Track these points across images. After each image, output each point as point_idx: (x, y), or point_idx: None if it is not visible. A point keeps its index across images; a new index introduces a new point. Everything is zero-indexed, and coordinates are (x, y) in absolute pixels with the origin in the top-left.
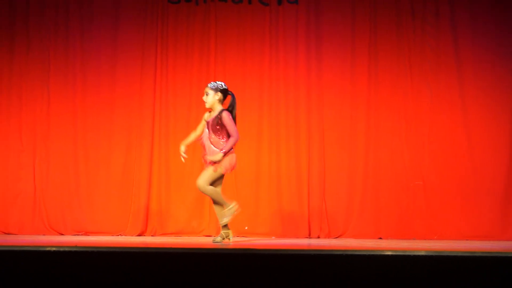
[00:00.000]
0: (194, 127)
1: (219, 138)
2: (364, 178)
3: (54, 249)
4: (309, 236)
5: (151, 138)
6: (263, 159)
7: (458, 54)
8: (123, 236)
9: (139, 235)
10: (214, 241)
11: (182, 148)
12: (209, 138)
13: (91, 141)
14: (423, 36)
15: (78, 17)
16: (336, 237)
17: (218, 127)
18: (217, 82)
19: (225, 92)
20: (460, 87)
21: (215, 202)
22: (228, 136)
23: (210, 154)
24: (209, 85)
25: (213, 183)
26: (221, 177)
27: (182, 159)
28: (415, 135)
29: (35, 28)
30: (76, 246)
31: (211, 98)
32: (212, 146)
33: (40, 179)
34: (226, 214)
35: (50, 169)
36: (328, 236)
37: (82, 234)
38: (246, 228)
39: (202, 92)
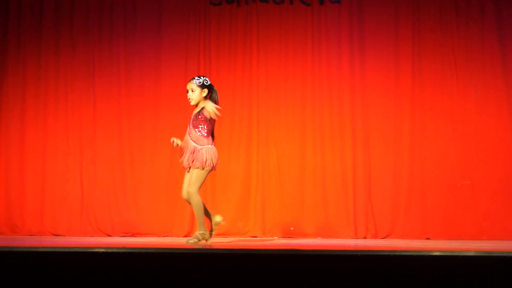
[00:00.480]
0: (237, 128)
1: (200, 134)
2: (410, 178)
3: (102, 250)
4: (355, 236)
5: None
6: (308, 160)
7: (504, 52)
8: (170, 237)
9: (186, 236)
10: (187, 242)
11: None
12: (189, 133)
13: (137, 142)
14: (468, 34)
15: (122, 20)
16: (383, 238)
17: (199, 122)
18: (201, 77)
19: (210, 88)
20: (507, 87)
21: (196, 213)
22: (209, 130)
23: (189, 151)
24: (194, 81)
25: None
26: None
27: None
28: (462, 135)
29: (80, 31)
30: (123, 248)
31: (198, 95)
32: (192, 142)
33: (87, 180)
34: (197, 236)
35: (97, 170)
36: (375, 236)
37: (129, 236)
38: (291, 229)
39: (245, 93)
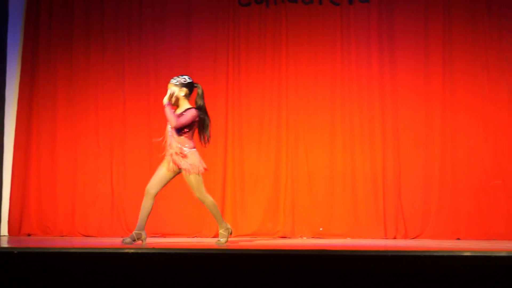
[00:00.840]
0: (267, 129)
1: (184, 137)
2: (441, 178)
3: (132, 251)
4: (385, 237)
5: (224, 140)
6: (337, 161)
7: None
8: (199, 238)
9: (215, 236)
10: (123, 242)
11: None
12: (172, 135)
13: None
14: (500, 32)
15: (151, 21)
16: (413, 238)
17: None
18: (180, 76)
19: (190, 86)
20: None
21: (212, 212)
22: (190, 135)
23: (173, 150)
24: (171, 81)
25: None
26: (167, 175)
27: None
28: (493, 135)
29: (109, 32)
30: (153, 248)
31: (176, 95)
32: (176, 143)
33: (117, 181)
34: (222, 234)
35: (126, 171)
36: (405, 237)
37: (159, 236)
38: (321, 229)
39: (274, 94)
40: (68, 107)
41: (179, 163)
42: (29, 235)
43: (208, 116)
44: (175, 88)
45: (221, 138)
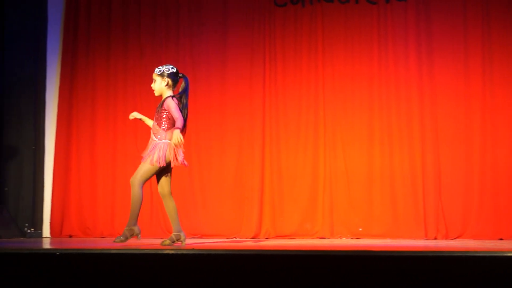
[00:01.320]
0: (304, 129)
1: (159, 127)
2: (482, 177)
3: (172, 252)
4: (426, 237)
5: (262, 141)
6: (375, 161)
7: None
8: (237, 239)
9: (253, 237)
10: (162, 244)
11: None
12: (152, 126)
13: (204, 144)
14: None
15: (188, 23)
16: (454, 238)
17: (161, 115)
18: (164, 66)
19: (173, 76)
20: None
21: (132, 206)
22: (170, 124)
23: (151, 145)
24: (156, 70)
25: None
26: (162, 172)
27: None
28: None
29: (147, 35)
30: (192, 249)
31: (158, 85)
32: (153, 135)
33: (156, 183)
34: (124, 234)
35: None
36: (446, 237)
37: (198, 237)
38: (360, 229)
39: (311, 94)
40: (106, 110)
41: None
42: (70, 236)
43: (187, 110)
44: (159, 77)
45: (259, 139)
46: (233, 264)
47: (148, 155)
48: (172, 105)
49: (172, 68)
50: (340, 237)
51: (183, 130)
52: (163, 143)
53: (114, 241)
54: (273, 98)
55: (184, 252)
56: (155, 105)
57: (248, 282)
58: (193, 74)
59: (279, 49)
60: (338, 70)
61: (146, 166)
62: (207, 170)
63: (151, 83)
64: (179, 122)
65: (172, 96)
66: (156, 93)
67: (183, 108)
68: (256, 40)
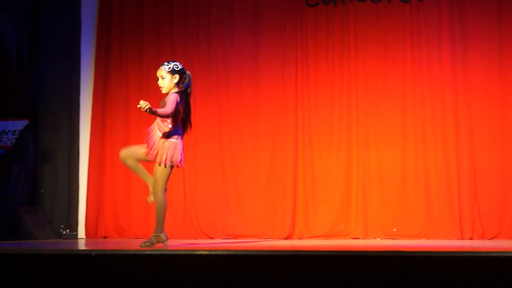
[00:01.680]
0: (337, 129)
1: (163, 123)
2: None
3: (205, 253)
4: (461, 237)
5: (294, 141)
6: (409, 161)
7: None
8: (271, 240)
9: (287, 238)
10: (141, 246)
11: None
12: (157, 123)
13: (237, 145)
14: None
15: (220, 23)
16: (490, 238)
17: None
18: (171, 62)
19: (181, 73)
20: None
21: (157, 213)
22: (175, 122)
23: (151, 138)
24: (164, 67)
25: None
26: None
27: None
28: None
29: (179, 36)
30: (226, 250)
31: (168, 82)
32: (157, 128)
33: (190, 184)
34: (151, 240)
35: (198, 174)
36: (482, 237)
37: (231, 238)
38: (394, 230)
39: (344, 94)
40: (140, 112)
41: (152, 153)
42: (105, 237)
43: (190, 108)
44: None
45: (291, 140)
46: (267, 265)
47: (158, 155)
48: (172, 97)
49: (179, 64)
50: (374, 238)
51: (161, 117)
52: (169, 143)
53: (140, 246)
54: (305, 99)
55: (218, 253)
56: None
57: (282, 283)
58: (225, 75)
59: (311, 50)
60: (371, 70)
61: (160, 171)
62: (240, 171)
63: None
64: (166, 110)
65: (177, 92)
66: (164, 90)
67: (186, 105)
68: (288, 41)
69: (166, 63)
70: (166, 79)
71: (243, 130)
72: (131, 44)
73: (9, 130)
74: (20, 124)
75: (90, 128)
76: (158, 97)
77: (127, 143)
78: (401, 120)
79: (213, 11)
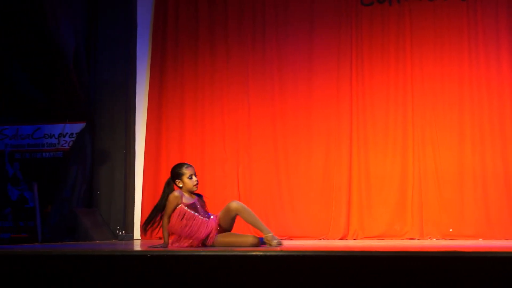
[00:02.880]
0: (392, 130)
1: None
2: None
3: (260, 253)
4: None
5: (349, 142)
6: (467, 161)
7: None
8: (326, 240)
9: (341, 238)
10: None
11: None
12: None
13: (291, 146)
14: None
15: (274, 25)
16: None
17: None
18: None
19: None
20: None
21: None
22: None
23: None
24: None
25: None
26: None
27: None
28: None
29: (233, 37)
30: (281, 251)
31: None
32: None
33: (244, 185)
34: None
35: (252, 175)
36: None
37: (285, 238)
38: (450, 230)
39: (399, 95)
40: (195, 112)
41: None
42: (160, 238)
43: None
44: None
45: (346, 140)
46: (322, 266)
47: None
48: None
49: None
50: (430, 238)
51: None
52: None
53: (274, 246)
54: (360, 99)
55: (273, 253)
56: (241, 106)
57: (337, 284)
58: (279, 76)
59: (366, 50)
60: (427, 71)
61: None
62: (294, 172)
63: (238, 85)
64: None
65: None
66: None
67: None
68: (343, 41)
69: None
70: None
71: (297, 131)
72: (186, 46)
73: (67, 133)
74: (77, 127)
75: (146, 130)
76: (213, 98)
77: (182, 144)
78: (458, 120)
79: (267, 12)
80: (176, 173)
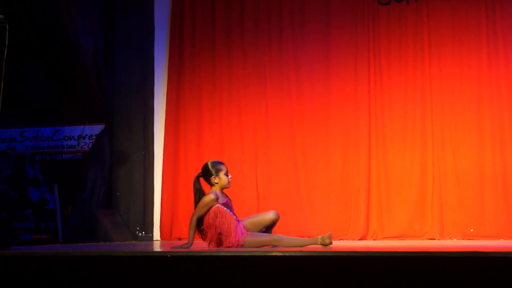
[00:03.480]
0: (411, 129)
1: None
2: None
3: (280, 254)
4: None
5: (367, 142)
6: (487, 160)
7: None
8: (345, 241)
9: (361, 239)
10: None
11: None
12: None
13: (309, 147)
14: None
15: (290, 26)
16: None
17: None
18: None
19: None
20: None
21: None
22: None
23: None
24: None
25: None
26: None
27: None
28: None
29: (250, 38)
30: (300, 252)
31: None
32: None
33: (262, 186)
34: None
35: (271, 176)
36: None
37: None
38: (471, 230)
39: (417, 94)
40: (212, 113)
41: None
42: (179, 239)
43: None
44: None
45: (365, 140)
46: (342, 266)
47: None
48: None
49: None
50: (450, 238)
51: None
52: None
53: (328, 246)
54: (378, 99)
55: (292, 254)
56: (259, 107)
57: (358, 285)
58: (296, 77)
59: (383, 49)
60: (445, 70)
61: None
62: (313, 172)
63: (255, 85)
64: None
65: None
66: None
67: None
68: (360, 40)
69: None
70: None
71: (315, 132)
72: (203, 48)
73: (86, 135)
74: (97, 129)
75: (164, 131)
76: (230, 99)
77: (200, 145)
78: (478, 120)
79: (284, 13)
80: (213, 170)
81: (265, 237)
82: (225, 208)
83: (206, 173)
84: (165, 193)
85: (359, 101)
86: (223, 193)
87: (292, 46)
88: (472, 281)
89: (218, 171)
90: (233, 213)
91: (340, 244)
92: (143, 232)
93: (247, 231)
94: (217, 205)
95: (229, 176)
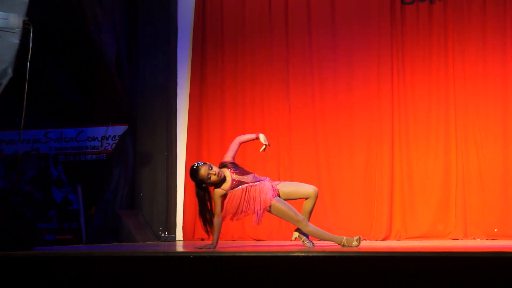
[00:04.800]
0: (434, 129)
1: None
2: None
3: (302, 254)
4: None
5: (391, 141)
6: (511, 161)
7: None
8: (368, 241)
9: (384, 239)
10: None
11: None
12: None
13: (332, 147)
14: None
15: (314, 25)
16: None
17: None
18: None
19: None
20: None
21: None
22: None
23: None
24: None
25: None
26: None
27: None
28: None
29: (272, 38)
30: (323, 252)
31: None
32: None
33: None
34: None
35: (293, 175)
36: None
37: None
38: (495, 230)
39: (441, 94)
40: (235, 113)
41: None
42: (202, 239)
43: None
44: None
45: (388, 140)
46: (365, 266)
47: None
48: None
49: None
50: (474, 238)
51: None
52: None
53: (350, 246)
54: (401, 98)
55: (315, 254)
56: (282, 107)
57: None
58: (319, 76)
59: (406, 48)
60: (470, 69)
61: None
62: (336, 172)
63: (278, 85)
64: None
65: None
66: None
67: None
68: (383, 39)
69: None
70: None
71: (338, 131)
72: (225, 48)
73: (109, 136)
74: (120, 129)
75: (187, 132)
76: (253, 99)
77: (223, 145)
78: (502, 120)
79: (310, 14)
80: (202, 178)
81: (293, 214)
82: (237, 189)
83: (200, 183)
84: (188, 193)
85: (382, 100)
86: (228, 175)
87: (316, 45)
88: (497, 281)
89: (204, 178)
90: (249, 174)
91: (363, 244)
92: (166, 233)
93: (279, 196)
94: (228, 193)
95: (213, 170)
